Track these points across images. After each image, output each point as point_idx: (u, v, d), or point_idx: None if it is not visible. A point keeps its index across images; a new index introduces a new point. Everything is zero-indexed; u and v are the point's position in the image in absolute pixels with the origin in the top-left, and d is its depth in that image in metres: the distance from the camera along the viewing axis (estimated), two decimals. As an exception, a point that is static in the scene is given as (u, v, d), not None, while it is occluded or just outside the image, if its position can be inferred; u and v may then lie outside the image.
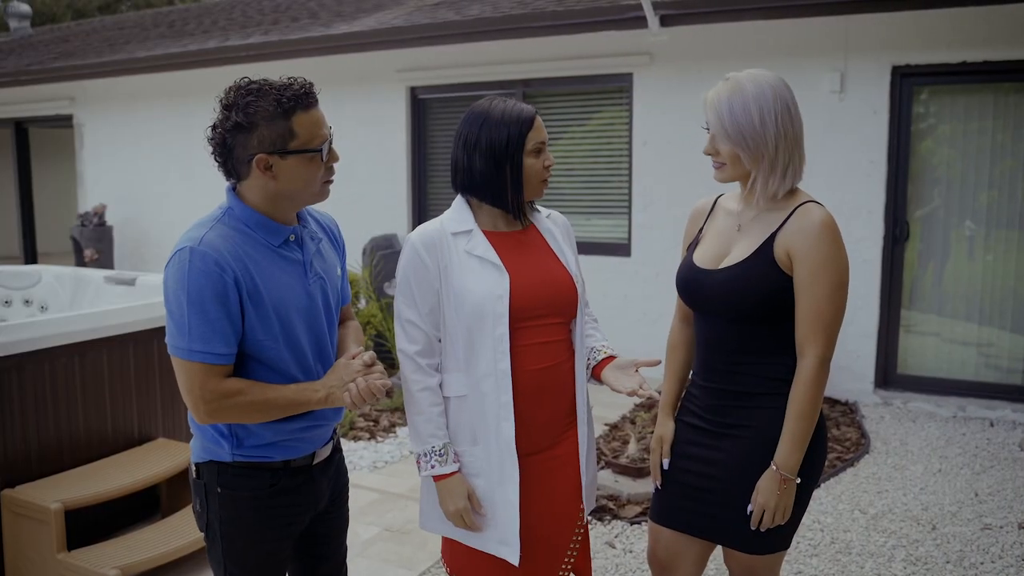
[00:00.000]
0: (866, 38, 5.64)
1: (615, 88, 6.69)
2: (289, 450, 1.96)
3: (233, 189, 1.90)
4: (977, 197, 5.61)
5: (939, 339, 5.83)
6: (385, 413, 5.49)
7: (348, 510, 2.24)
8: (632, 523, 3.85)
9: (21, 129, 10.81)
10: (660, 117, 6.38)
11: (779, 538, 2.02)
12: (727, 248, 2.05)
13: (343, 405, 1.88)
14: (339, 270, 2.10)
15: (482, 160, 2.02)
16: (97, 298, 4.99)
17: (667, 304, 6.33)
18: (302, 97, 1.81)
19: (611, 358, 2.17)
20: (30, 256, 11.09)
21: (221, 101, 1.82)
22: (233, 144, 1.81)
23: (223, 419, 1.84)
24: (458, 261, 2.02)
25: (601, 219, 6.80)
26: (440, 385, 2.06)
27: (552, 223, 2.20)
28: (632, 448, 4.38)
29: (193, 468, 1.98)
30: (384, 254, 6.85)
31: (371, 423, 5.33)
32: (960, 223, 5.68)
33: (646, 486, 4.11)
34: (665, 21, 5.79)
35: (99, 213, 9.08)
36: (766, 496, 1.93)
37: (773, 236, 1.95)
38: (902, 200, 5.72)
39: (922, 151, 5.74)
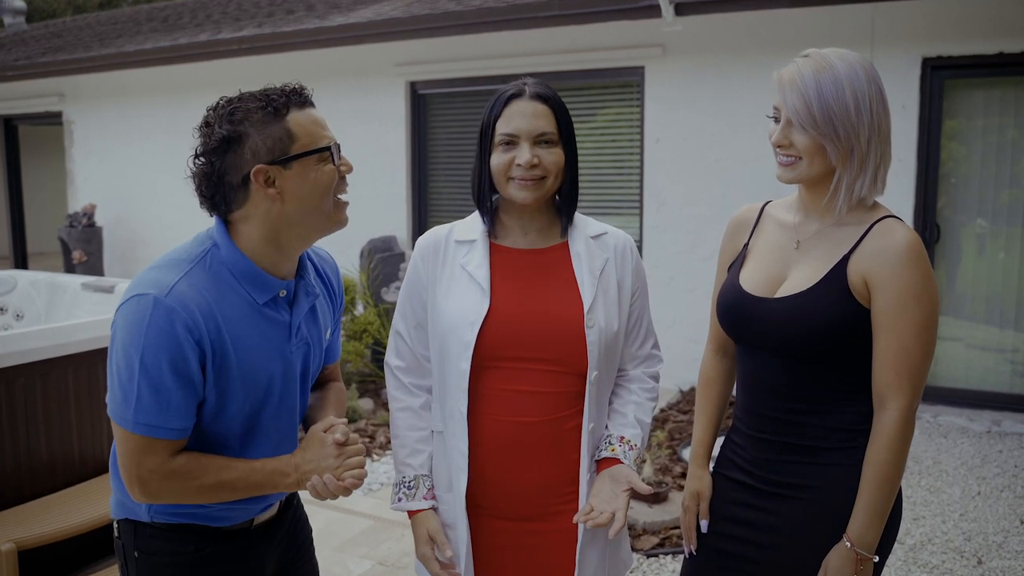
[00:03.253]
0: (894, 28, 5.29)
1: (626, 82, 6.36)
2: (218, 520, 1.61)
3: (225, 224, 1.53)
4: (1014, 197, 5.27)
5: (971, 349, 5.50)
6: (382, 428, 5.16)
7: (316, 565, 1.87)
8: (649, 555, 3.52)
9: (10, 126, 10.54)
10: (674, 113, 6.04)
11: None
12: (783, 270, 1.69)
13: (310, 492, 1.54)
14: (329, 332, 1.75)
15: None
16: (73, 306, 4.69)
17: (682, 311, 6.01)
18: (294, 94, 1.49)
19: (614, 461, 1.73)
20: (20, 257, 10.81)
21: (198, 127, 1.49)
22: (223, 168, 1.46)
23: (163, 499, 1.50)
24: (449, 274, 1.75)
25: (610, 219, 6.46)
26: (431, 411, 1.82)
27: (599, 246, 1.79)
28: (647, 470, 4.04)
29: (114, 525, 1.65)
30: (382, 257, 6.54)
31: (367, 439, 5.00)
32: (995, 226, 5.34)
33: (663, 513, 3.78)
34: (680, 10, 5.45)
35: (88, 213, 8.79)
36: None
37: (846, 258, 1.59)
38: (932, 201, 5.38)
39: (953, 148, 5.40)
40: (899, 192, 5.37)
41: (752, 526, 1.71)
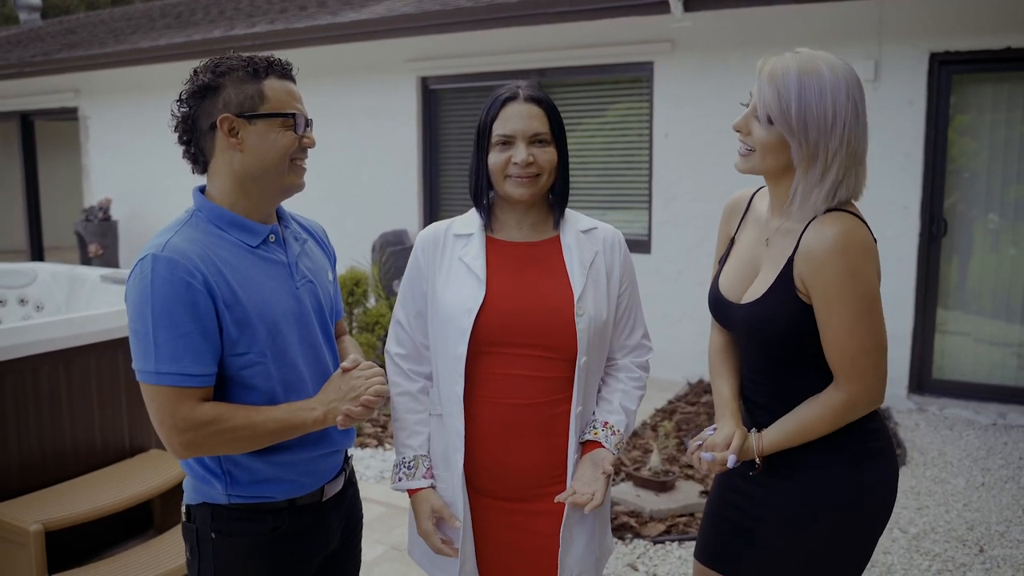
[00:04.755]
0: (902, 22, 5.33)
1: (635, 78, 6.41)
2: (293, 486, 1.70)
3: (202, 192, 1.69)
4: (1022, 192, 5.30)
5: (977, 342, 5.53)
6: (394, 418, 5.25)
7: (361, 551, 1.99)
8: (655, 542, 3.59)
9: (27, 122, 10.65)
10: (682, 108, 6.09)
11: None
12: (753, 269, 1.74)
13: (338, 424, 1.64)
14: (330, 275, 1.86)
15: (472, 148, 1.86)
16: (92, 298, 4.79)
17: (690, 305, 6.06)
18: (276, 64, 1.64)
19: (597, 445, 1.84)
20: (36, 250, 10.94)
21: (189, 77, 1.65)
22: (197, 113, 1.62)
23: (203, 452, 1.59)
24: (448, 266, 1.86)
25: (619, 213, 6.52)
26: (429, 395, 1.93)
27: (589, 240, 1.88)
28: (654, 459, 4.11)
29: (184, 510, 1.73)
30: (394, 251, 6.62)
31: (379, 429, 5.10)
32: (1004, 221, 5.38)
33: (670, 501, 3.85)
34: (689, 6, 5.49)
35: (104, 207, 8.90)
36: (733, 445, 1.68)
37: (791, 260, 1.63)
38: (939, 195, 5.42)
39: (961, 143, 5.44)
40: (906, 186, 5.41)
41: (750, 498, 1.79)
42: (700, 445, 1.72)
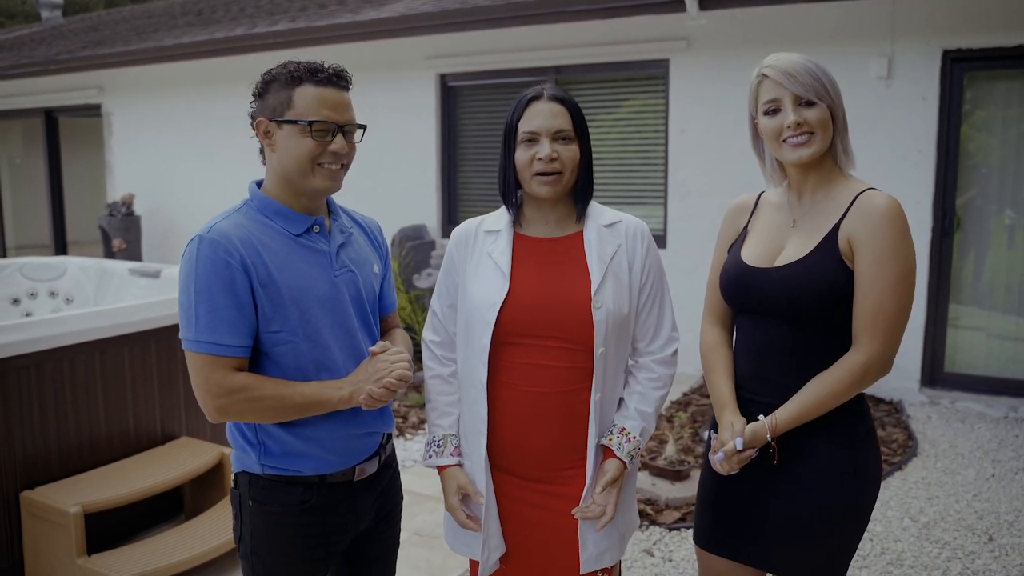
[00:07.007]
0: (915, 20, 5.38)
1: (651, 75, 6.49)
2: (322, 462, 1.81)
3: (259, 184, 1.84)
4: (1033, 188, 5.36)
5: (989, 336, 5.59)
6: (414, 409, 5.37)
7: (400, 531, 2.08)
8: (671, 529, 3.69)
9: (51, 118, 10.81)
10: (698, 105, 6.17)
11: (837, 570, 1.85)
12: (780, 245, 1.86)
13: (362, 404, 1.74)
14: (376, 267, 1.96)
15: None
16: (122, 291, 4.92)
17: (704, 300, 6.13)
18: (314, 71, 1.75)
19: (611, 452, 1.91)
20: (60, 245, 11.11)
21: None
22: (255, 112, 1.79)
23: (234, 417, 1.73)
24: (477, 261, 1.96)
25: (635, 208, 6.61)
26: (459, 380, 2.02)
27: (611, 233, 1.94)
28: (670, 449, 4.21)
29: (232, 478, 1.88)
30: (413, 245, 6.73)
31: (400, 419, 5.21)
32: (1016, 216, 5.43)
33: (684, 490, 3.94)
34: (704, 4, 5.57)
35: (127, 202, 9.04)
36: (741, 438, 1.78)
37: (837, 226, 1.77)
38: (951, 191, 5.47)
39: (973, 140, 5.49)
40: (918, 182, 5.47)
41: (756, 486, 1.87)
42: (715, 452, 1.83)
